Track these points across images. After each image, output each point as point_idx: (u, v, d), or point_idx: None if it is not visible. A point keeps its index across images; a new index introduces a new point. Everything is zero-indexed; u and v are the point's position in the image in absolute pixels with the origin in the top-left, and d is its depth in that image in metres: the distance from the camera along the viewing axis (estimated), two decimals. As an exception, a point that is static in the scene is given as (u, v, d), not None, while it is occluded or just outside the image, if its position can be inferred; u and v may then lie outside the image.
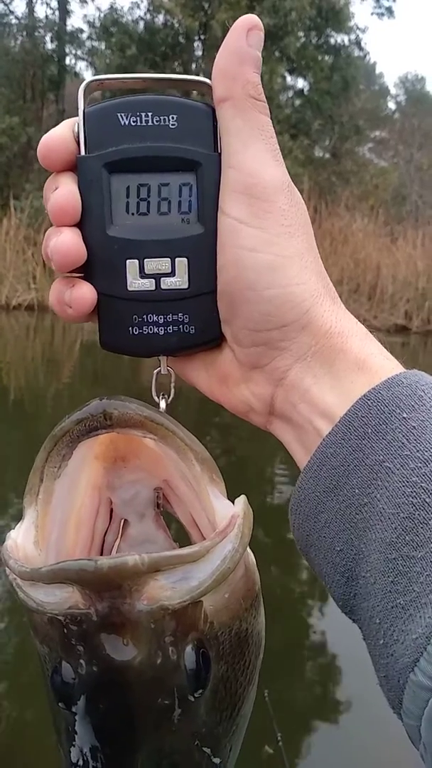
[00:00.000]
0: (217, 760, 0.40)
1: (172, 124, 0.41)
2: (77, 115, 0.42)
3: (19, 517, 0.41)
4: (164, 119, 0.41)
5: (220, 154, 0.42)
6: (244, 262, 0.41)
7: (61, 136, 0.41)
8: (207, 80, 0.42)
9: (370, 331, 0.43)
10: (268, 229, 0.41)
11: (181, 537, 0.47)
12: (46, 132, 0.42)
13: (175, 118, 0.41)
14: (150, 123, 0.41)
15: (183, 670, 0.37)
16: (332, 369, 0.40)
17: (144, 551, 0.46)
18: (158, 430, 0.40)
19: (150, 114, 0.41)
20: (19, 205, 9.81)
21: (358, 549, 0.37)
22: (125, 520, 0.46)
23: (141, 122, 0.41)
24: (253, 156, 0.41)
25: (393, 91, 24.24)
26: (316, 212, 10.48)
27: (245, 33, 0.41)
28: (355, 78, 13.57)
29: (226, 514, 0.40)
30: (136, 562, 0.34)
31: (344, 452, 0.38)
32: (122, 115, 0.41)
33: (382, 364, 0.40)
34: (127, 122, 0.41)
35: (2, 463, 3.79)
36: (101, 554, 0.45)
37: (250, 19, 0.41)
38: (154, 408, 0.41)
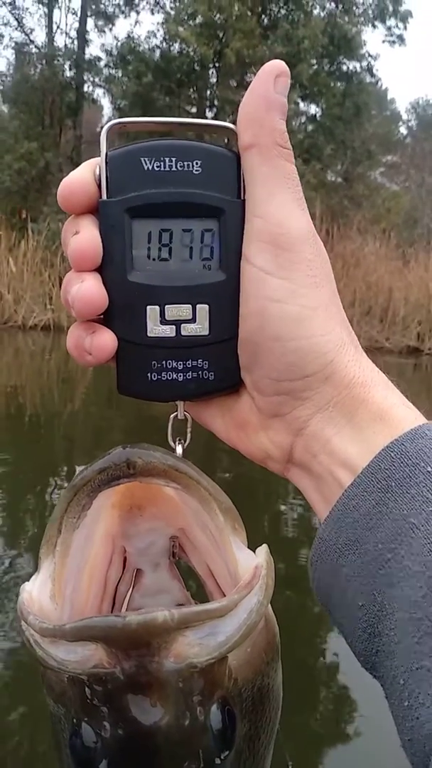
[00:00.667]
0: None
1: (196, 170, 0.41)
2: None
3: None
4: (188, 165, 0.41)
5: (244, 201, 0.42)
6: (269, 312, 0.40)
7: (82, 179, 0.41)
8: (232, 126, 0.42)
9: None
10: (295, 280, 0.40)
11: (192, 587, 0.46)
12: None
13: (199, 164, 0.41)
14: (174, 168, 0.41)
15: (210, 731, 0.36)
16: (354, 420, 0.40)
17: (159, 603, 0.45)
18: (182, 479, 0.39)
19: (174, 159, 0.41)
20: (36, 227, 9.96)
21: (381, 605, 0.36)
22: (139, 569, 0.45)
23: (165, 167, 0.41)
24: (280, 205, 0.40)
25: (404, 116, 24.49)
26: (328, 235, 10.52)
27: (273, 79, 0.40)
28: (367, 104, 13.69)
29: (249, 566, 0.39)
30: (166, 618, 0.33)
31: (367, 505, 0.37)
32: (146, 159, 0.41)
33: (404, 415, 0.39)
34: (150, 167, 0.41)
35: (17, 483, 3.79)
36: (113, 605, 0.44)
37: (278, 65, 0.41)
38: (177, 456, 0.41)
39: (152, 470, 0.38)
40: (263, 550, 0.41)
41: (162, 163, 0.41)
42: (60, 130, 12.80)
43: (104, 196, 0.41)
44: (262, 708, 0.40)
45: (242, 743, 0.39)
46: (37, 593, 0.39)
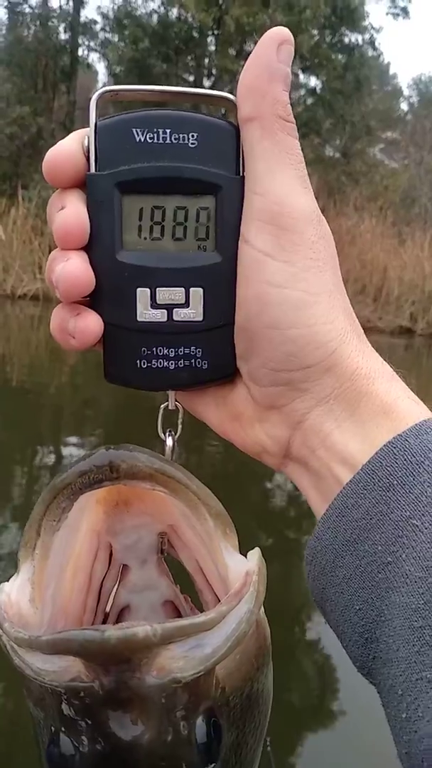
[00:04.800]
0: None
1: (192, 143, 0.38)
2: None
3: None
4: (183, 137, 0.38)
5: (243, 178, 0.38)
6: (268, 297, 0.37)
7: (70, 151, 0.38)
8: (232, 97, 0.39)
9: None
10: (296, 264, 0.37)
11: (182, 581, 0.44)
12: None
13: (195, 137, 0.38)
14: (168, 141, 0.38)
15: (194, 745, 0.34)
16: (355, 413, 0.37)
17: (145, 600, 0.43)
18: (169, 483, 0.37)
19: (168, 131, 0.38)
20: (27, 194, 9.77)
21: (379, 610, 0.34)
22: (125, 565, 0.43)
23: (158, 139, 0.38)
24: (281, 183, 0.37)
25: (406, 92, 24.16)
26: (324, 211, 10.33)
27: (276, 47, 0.37)
28: (368, 78, 13.47)
29: (239, 571, 0.37)
30: (147, 634, 0.31)
31: (367, 504, 0.35)
32: (138, 130, 0.38)
33: (409, 409, 0.37)
34: (143, 139, 0.38)
35: (4, 454, 3.77)
36: (98, 601, 0.42)
37: (281, 32, 0.37)
38: (164, 459, 0.38)
39: (137, 474, 0.36)
40: (255, 554, 0.39)
41: (155, 135, 0.38)
42: (53, 95, 12.48)
43: (92, 169, 0.38)
44: (251, 714, 0.39)
45: (229, 752, 0.37)
46: (15, 596, 0.37)
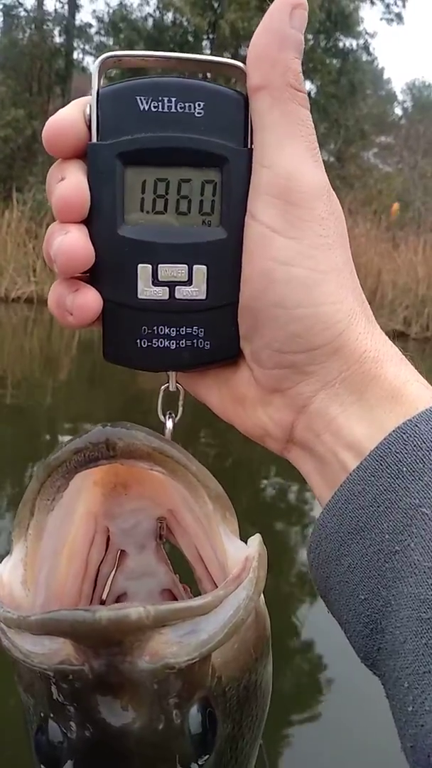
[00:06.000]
0: None
1: (198, 113, 0.37)
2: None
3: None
4: (190, 106, 0.36)
5: (251, 150, 0.37)
6: (274, 275, 0.36)
7: (71, 119, 0.36)
8: (241, 64, 0.37)
9: None
10: (304, 240, 0.36)
11: (182, 572, 0.43)
12: None
13: (201, 106, 0.37)
14: (173, 110, 0.36)
15: (187, 735, 0.33)
16: (363, 398, 0.36)
17: (143, 586, 0.42)
18: (167, 463, 0.35)
19: (174, 99, 0.36)
20: (21, 197, 9.74)
21: (385, 600, 0.33)
22: (122, 550, 0.42)
23: (163, 108, 0.36)
24: (291, 155, 0.36)
25: (400, 97, 24.27)
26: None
27: (289, 11, 0.35)
28: (362, 82, 13.55)
29: (239, 557, 0.36)
30: (140, 615, 0.29)
31: (374, 491, 0.34)
32: (142, 98, 0.36)
33: (419, 394, 0.36)
34: (147, 107, 0.36)
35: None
36: (94, 587, 0.41)
37: None
38: (163, 438, 0.37)
39: (134, 453, 0.34)
40: (256, 540, 0.37)
41: (160, 104, 0.36)
42: (48, 98, 12.45)
43: (94, 139, 0.36)
44: (248, 706, 0.37)
45: (224, 745, 0.35)
46: (7, 577, 0.35)
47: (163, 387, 0.41)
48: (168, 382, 0.41)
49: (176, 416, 0.41)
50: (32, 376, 5.80)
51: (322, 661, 2.26)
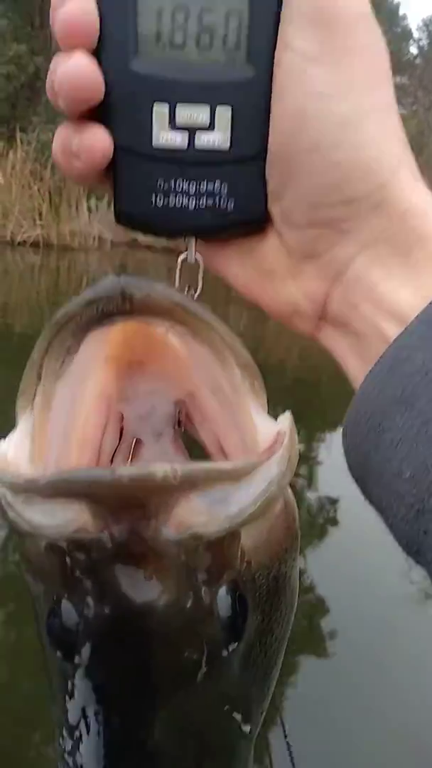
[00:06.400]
0: (247, 728, 0.33)
1: None
2: None
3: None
4: None
5: None
6: (309, 111, 0.31)
7: None
8: None
9: None
10: (345, 71, 0.31)
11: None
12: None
13: None
14: None
15: (216, 618, 0.30)
16: (408, 260, 0.32)
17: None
18: (190, 321, 0.31)
19: None
20: (25, 138, 9.47)
21: None
22: (138, 439, 0.38)
23: None
24: None
25: (416, 34, 23.21)
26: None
27: None
28: (376, 18, 12.89)
29: (270, 432, 0.32)
30: (167, 473, 0.26)
31: (422, 357, 0.30)
32: None
33: None
34: None
35: (5, 406, 3.73)
36: None
37: None
38: (185, 295, 0.33)
39: (154, 307, 0.30)
40: (287, 417, 0.34)
41: None
42: (51, 32, 11.98)
43: None
44: (278, 600, 0.35)
45: (254, 636, 0.33)
46: (12, 454, 0.32)
47: (180, 258, 0.37)
48: (185, 252, 0.37)
49: (196, 291, 0.37)
50: (40, 324, 5.75)
51: (325, 605, 2.28)
